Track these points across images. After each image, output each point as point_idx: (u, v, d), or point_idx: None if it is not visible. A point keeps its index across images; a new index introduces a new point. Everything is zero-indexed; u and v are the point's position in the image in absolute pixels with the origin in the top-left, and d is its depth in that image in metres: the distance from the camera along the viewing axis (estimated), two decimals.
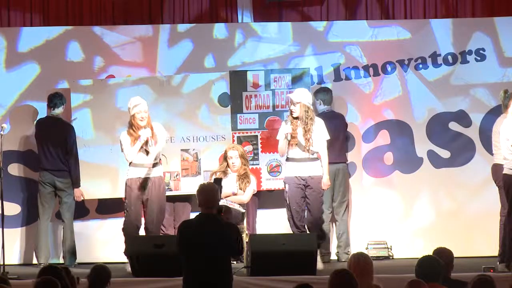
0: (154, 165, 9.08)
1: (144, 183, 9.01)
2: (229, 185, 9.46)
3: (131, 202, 9.01)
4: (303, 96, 9.11)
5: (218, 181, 8.50)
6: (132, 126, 9.03)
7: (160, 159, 9.20)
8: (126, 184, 9.08)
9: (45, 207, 9.64)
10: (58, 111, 9.69)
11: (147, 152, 9.00)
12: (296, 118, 9.09)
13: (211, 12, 10.67)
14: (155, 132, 9.04)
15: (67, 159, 9.61)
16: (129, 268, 8.69)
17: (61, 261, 9.73)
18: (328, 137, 9.21)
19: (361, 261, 5.97)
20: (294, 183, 9.09)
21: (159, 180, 9.11)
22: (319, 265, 8.78)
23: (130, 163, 9.05)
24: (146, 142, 8.97)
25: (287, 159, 9.19)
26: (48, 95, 9.72)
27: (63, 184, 9.61)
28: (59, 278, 5.39)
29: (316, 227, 9.14)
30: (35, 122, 9.96)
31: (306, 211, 9.14)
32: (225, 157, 9.56)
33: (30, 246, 9.98)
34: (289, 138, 9.02)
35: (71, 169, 9.62)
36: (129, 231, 8.99)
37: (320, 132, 9.14)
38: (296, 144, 9.07)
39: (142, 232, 9.15)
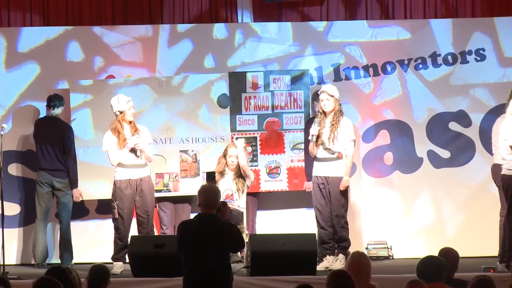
0: (143, 165, 9.07)
1: (137, 185, 8.99)
2: (225, 184, 9.40)
3: (124, 206, 8.97)
4: (335, 90, 9.09)
5: (211, 175, 8.47)
6: (120, 122, 8.99)
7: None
8: (115, 185, 9.02)
9: (42, 207, 9.62)
10: (57, 111, 9.68)
11: (136, 152, 8.98)
12: (325, 113, 9.03)
13: (211, 12, 10.66)
14: (140, 139, 8.99)
15: (65, 159, 9.59)
16: (116, 269, 8.73)
17: (59, 261, 9.70)
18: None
19: (359, 260, 5.98)
20: (315, 183, 9.11)
21: (148, 179, 9.10)
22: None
23: (119, 163, 9.02)
24: (134, 150, 8.94)
25: (314, 158, 9.19)
26: (48, 96, 9.72)
27: (60, 184, 9.59)
28: (66, 279, 5.37)
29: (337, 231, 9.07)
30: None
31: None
32: (224, 155, 9.48)
33: (29, 246, 9.98)
34: (313, 139, 9.00)
35: (69, 169, 9.60)
36: (122, 235, 8.97)
37: (346, 132, 9.06)
38: (322, 143, 9.03)
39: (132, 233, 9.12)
